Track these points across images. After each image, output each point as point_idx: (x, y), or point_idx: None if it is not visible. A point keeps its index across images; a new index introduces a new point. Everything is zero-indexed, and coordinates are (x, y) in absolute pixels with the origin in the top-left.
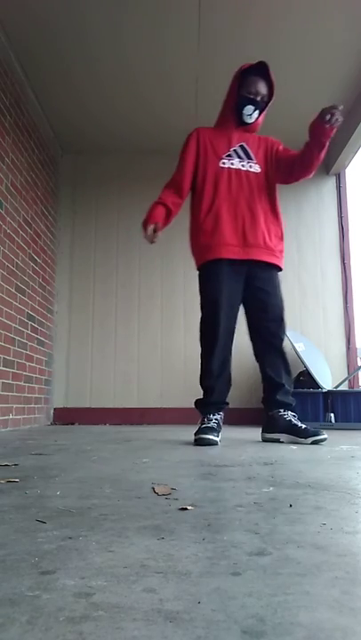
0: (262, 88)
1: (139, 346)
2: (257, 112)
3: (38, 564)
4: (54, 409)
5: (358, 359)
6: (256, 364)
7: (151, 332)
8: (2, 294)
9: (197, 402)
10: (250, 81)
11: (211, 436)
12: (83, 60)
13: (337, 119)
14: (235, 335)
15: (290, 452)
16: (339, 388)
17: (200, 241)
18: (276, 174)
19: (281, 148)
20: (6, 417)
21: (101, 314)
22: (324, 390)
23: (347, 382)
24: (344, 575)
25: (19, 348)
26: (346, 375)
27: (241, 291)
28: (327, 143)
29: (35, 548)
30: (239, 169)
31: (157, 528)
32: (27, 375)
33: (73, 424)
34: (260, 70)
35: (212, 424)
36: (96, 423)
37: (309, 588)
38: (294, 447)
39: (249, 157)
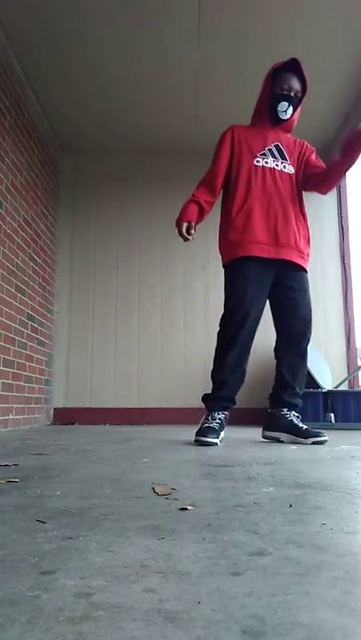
0: (295, 84)
1: (139, 346)
2: (291, 108)
3: (38, 564)
4: (54, 409)
5: (358, 359)
6: (256, 364)
7: (151, 331)
8: (2, 294)
9: (205, 396)
10: (283, 78)
11: (210, 439)
12: (83, 60)
13: None
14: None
15: (290, 452)
16: (339, 388)
17: (230, 238)
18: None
19: (313, 156)
20: (6, 417)
21: (101, 314)
22: (324, 390)
23: (347, 382)
24: (344, 575)
25: (19, 347)
26: (346, 375)
27: (268, 291)
28: (355, 161)
29: (35, 548)
30: (273, 168)
31: (157, 528)
32: (27, 375)
33: (73, 424)
34: (293, 67)
35: (213, 424)
36: (96, 423)
37: (309, 587)
38: (294, 447)
39: (283, 157)
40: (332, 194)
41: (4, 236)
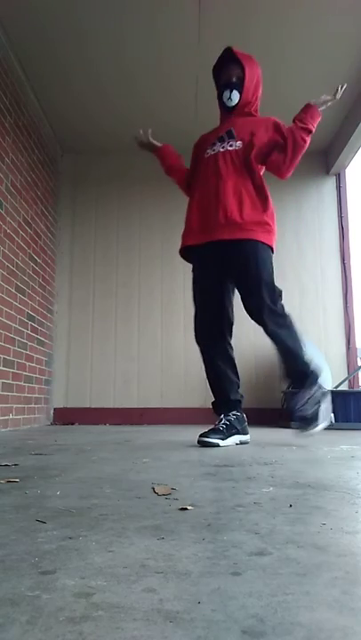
0: (231, 70)
1: (139, 346)
2: (235, 92)
3: (38, 564)
4: (54, 409)
5: (358, 359)
6: (256, 364)
7: (151, 331)
8: (2, 294)
9: (212, 402)
10: (220, 73)
11: (209, 439)
12: (83, 61)
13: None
14: (230, 326)
15: (290, 452)
16: (339, 388)
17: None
18: (258, 155)
19: (272, 124)
20: (6, 417)
21: (101, 313)
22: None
23: (347, 382)
24: (344, 575)
25: (19, 348)
26: (346, 375)
27: (215, 275)
28: (310, 132)
29: (35, 548)
30: (219, 152)
31: (157, 528)
32: (27, 375)
33: (73, 424)
34: (226, 58)
35: (219, 425)
36: (96, 423)
37: (309, 587)
38: (294, 447)
39: (231, 137)
40: (332, 194)
41: (4, 236)
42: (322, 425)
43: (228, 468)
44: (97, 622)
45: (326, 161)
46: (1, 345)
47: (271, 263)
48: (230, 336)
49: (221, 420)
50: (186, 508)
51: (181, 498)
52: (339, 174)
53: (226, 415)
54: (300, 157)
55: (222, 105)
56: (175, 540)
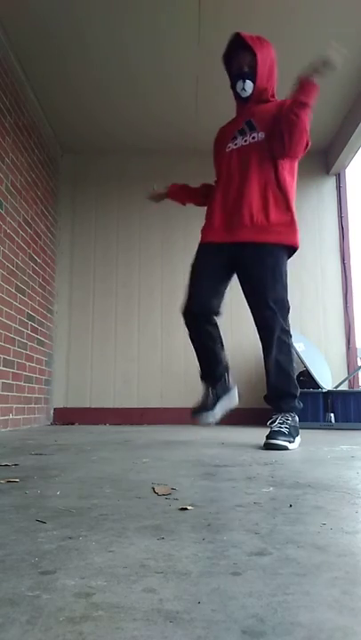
0: (243, 58)
1: (139, 346)
2: (248, 82)
3: (38, 564)
4: (54, 409)
5: (358, 359)
6: (256, 364)
7: (151, 331)
8: (2, 294)
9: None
10: (231, 62)
11: (203, 419)
12: (83, 61)
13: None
14: (218, 312)
15: (290, 452)
16: (339, 388)
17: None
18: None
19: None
20: (6, 417)
21: (101, 313)
22: (324, 390)
23: (347, 382)
24: (344, 575)
25: (19, 348)
26: (346, 375)
27: (220, 270)
28: (305, 104)
29: (35, 548)
30: (241, 146)
31: (157, 528)
32: (27, 375)
33: (73, 424)
34: (236, 44)
35: (208, 400)
36: (96, 423)
37: (309, 587)
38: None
39: (253, 129)
40: (332, 194)
41: (4, 236)
42: (293, 445)
43: (228, 468)
44: (97, 622)
45: (326, 161)
46: (1, 345)
47: (287, 275)
48: (217, 321)
49: (205, 393)
50: (186, 508)
51: (181, 498)
52: (339, 174)
53: (208, 389)
54: (297, 136)
55: (237, 95)
56: (175, 540)
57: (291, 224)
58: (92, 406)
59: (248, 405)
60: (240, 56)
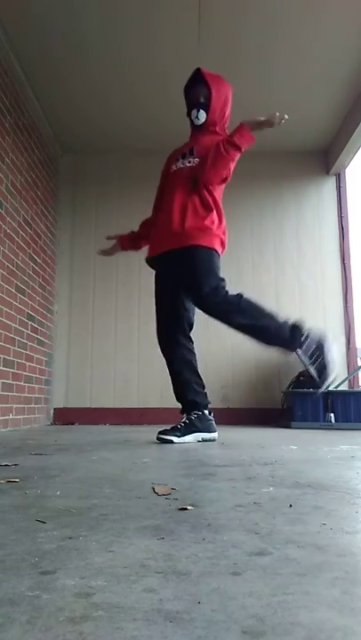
0: (199, 91)
1: (139, 345)
2: (202, 112)
3: (38, 564)
4: (54, 409)
5: (358, 359)
6: (256, 364)
7: (151, 331)
8: (2, 294)
9: None
10: (188, 94)
11: (166, 436)
12: (82, 62)
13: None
14: (187, 329)
15: (290, 452)
16: (339, 388)
17: None
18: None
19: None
20: (6, 417)
21: (102, 313)
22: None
23: (347, 382)
24: (344, 575)
25: (19, 348)
26: (346, 375)
27: (167, 283)
28: (236, 146)
29: (35, 548)
30: (179, 168)
31: (157, 528)
32: (27, 375)
33: (73, 424)
34: (194, 79)
35: (178, 424)
36: (96, 423)
37: (309, 587)
38: (294, 447)
39: (192, 155)
40: (332, 194)
41: (4, 236)
42: (333, 374)
43: (228, 468)
44: (97, 622)
45: (326, 161)
46: (1, 345)
47: (212, 262)
48: (188, 339)
49: (182, 418)
50: (186, 508)
51: (181, 498)
52: (339, 174)
53: (188, 414)
54: (219, 167)
55: (191, 122)
56: (175, 540)
57: (205, 229)
58: (92, 406)
59: (248, 405)
60: (198, 88)
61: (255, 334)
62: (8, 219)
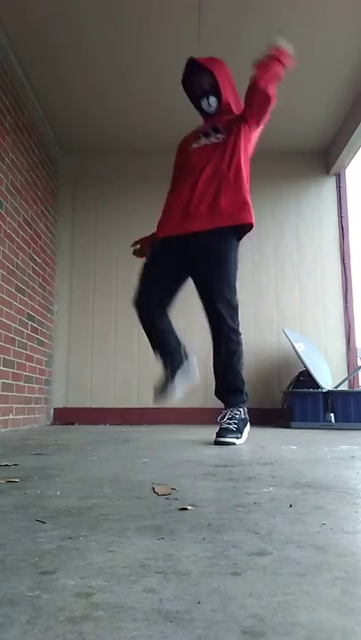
0: (202, 79)
1: (139, 345)
2: (212, 97)
3: (38, 564)
4: (54, 409)
5: (358, 359)
6: (256, 364)
7: None
8: (2, 294)
9: None
10: (191, 85)
11: (158, 395)
12: (82, 62)
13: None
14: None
15: (290, 452)
16: (339, 388)
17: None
18: (246, 116)
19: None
20: (6, 417)
21: (102, 313)
22: (324, 390)
23: (347, 382)
24: (344, 575)
25: (19, 348)
26: (346, 375)
27: (173, 269)
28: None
29: (35, 548)
30: (205, 145)
31: (157, 528)
32: (27, 375)
33: (73, 424)
34: (192, 69)
35: (161, 377)
36: (96, 423)
37: (309, 587)
38: (294, 447)
39: (217, 132)
40: (332, 194)
41: (4, 236)
42: (240, 440)
43: (228, 468)
44: (97, 622)
45: (326, 161)
46: (1, 345)
47: (237, 262)
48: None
49: (225, 415)
50: (186, 508)
51: (181, 498)
52: (339, 174)
53: (231, 410)
54: (267, 105)
55: (203, 112)
56: (175, 540)
57: (243, 204)
58: (92, 406)
59: (248, 405)
60: (199, 77)
61: (228, 373)
62: (8, 219)
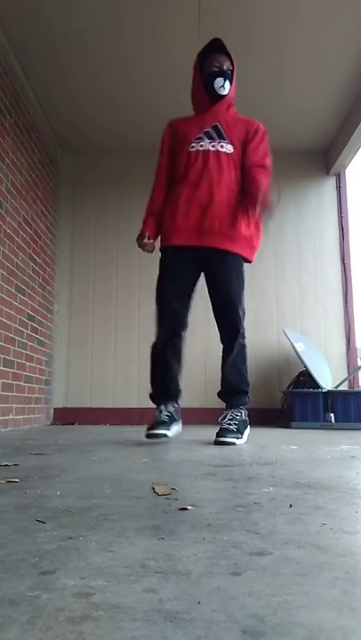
0: (224, 60)
1: (139, 345)
2: (227, 82)
3: (38, 564)
4: (54, 409)
5: (358, 359)
6: (256, 364)
7: (151, 331)
8: (2, 294)
9: (150, 394)
10: (211, 58)
11: (158, 431)
12: (83, 61)
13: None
14: (185, 329)
15: (290, 452)
16: (339, 388)
17: (162, 226)
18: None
19: (255, 142)
20: (6, 417)
21: (101, 313)
22: (324, 390)
23: (347, 382)
24: (344, 575)
25: (19, 348)
26: (346, 375)
27: (192, 279)
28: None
29: (35, 548)
30: (208, 150)
31: (157, 528)
32: (27, 375)
33: (73, 424)
34: (216, 47)
35: (162, 417)
36: (96, 423)
37: (309, 587)
38: (294, 447)
39: (221, 137)
40: (332, 194)
41: (4, 236)
42: (241, 441)
43: (228, 468)
44: (97, 622)
45: (326, 161)
46: (1, 345)
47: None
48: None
49: (161, 410)
50: (186, 508)
51: (181, 498)
52: (339, 174)
53: (165, 406)
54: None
55: (209, 92)
56: (175, 540)
57: (250, 240)
58: (92, 406)
59: (248, 405)
60: (222, 57)
61: (234, 376)
62: (8, 219)
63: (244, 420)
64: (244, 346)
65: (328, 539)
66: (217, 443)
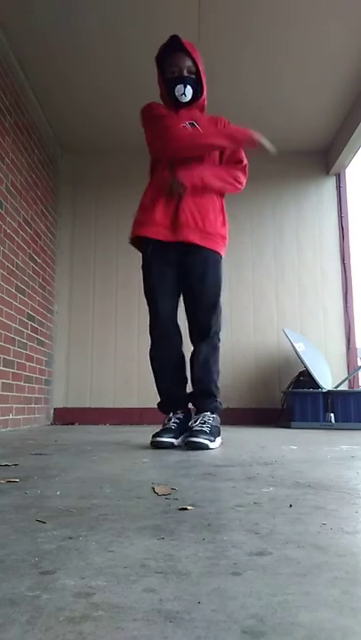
0: (183, 61)
1: (139, 345)
2: (189, 87)
3: (38, 564)
4: (54, 409)
5: (358, 359)
6: (256, 364)
7: None
8: (2, 294)
9: (158, 403)
10: (168, 61)
11: (164, 439)
12: (82, 61)
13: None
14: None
15: (290, 452)
16: (339, 388)
17: (137, 215)
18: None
19: (228, 128)
20: (6, 417)
21: (101, 313)
22: (324, 390)
23: (347, 382)
24: (344, 575)
25: (19, 348)
26: (346, 375)
27: (173, 275)
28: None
29: (35, 548)
30: None
31: (157, 528)
32: (27, 375)
33: (73, 424)
34: (175, 46)
35: (170, 424)
36: (96, 423)
37: (309, 587)
38: (294, 447)
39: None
40: (332, 194)
41: (4, 236)
42: (214, 444)
43: (228, 468)
44: (97, 622)
45: (326, 161)
46: (1, 345)
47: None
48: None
49: (171, 418)
50: (186, 508)
51: (181, 498)
52: (339, 174)
53: (174, 414)
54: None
55: (172, 100)
56: (175, 540)
57: (223, 239)
58: (92, 406)
59: (248, 405)
60: (181, 59)
61: (205, 377)
62: (8, 219)
63: (217, 426)
64: (216, 346)
65: (328, 539)
66: (188, 443)
